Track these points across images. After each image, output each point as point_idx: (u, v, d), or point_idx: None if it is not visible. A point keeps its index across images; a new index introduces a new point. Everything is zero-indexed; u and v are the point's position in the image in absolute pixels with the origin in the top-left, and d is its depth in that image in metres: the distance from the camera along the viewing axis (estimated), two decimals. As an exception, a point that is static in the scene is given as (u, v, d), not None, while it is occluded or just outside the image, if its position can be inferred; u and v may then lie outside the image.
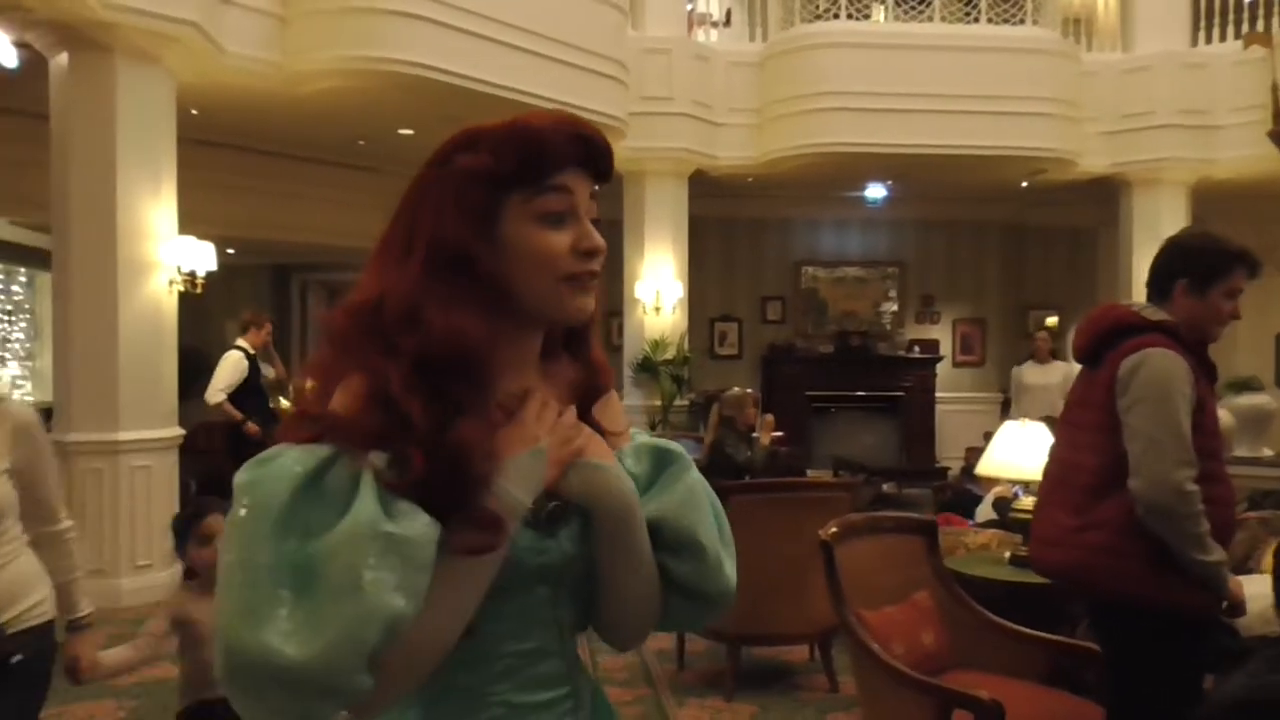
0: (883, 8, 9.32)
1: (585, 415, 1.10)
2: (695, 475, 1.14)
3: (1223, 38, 9.37)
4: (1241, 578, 2.44)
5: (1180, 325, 2.39)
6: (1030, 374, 7.72)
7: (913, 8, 9.23)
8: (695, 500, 1.12)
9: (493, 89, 6.86)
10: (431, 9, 6.54)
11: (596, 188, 1.07)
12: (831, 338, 11.52)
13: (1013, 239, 12.01)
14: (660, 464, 1.14)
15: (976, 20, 9.19)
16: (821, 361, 11.31)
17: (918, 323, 11.96)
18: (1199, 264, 2.42)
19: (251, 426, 6.78)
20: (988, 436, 4.74)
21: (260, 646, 0.85)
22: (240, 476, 0.93)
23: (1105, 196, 10.07)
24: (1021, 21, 9.18)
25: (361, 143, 8.48)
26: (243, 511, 0.90)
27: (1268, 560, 3.04)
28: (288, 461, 0.92)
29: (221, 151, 8.17)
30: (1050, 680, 2.92)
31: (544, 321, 1.06)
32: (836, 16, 9.12)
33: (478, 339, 0.97)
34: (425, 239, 1.00)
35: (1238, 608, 2.33)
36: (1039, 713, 2.71)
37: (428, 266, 0.99)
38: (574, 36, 7.51)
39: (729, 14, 10.70)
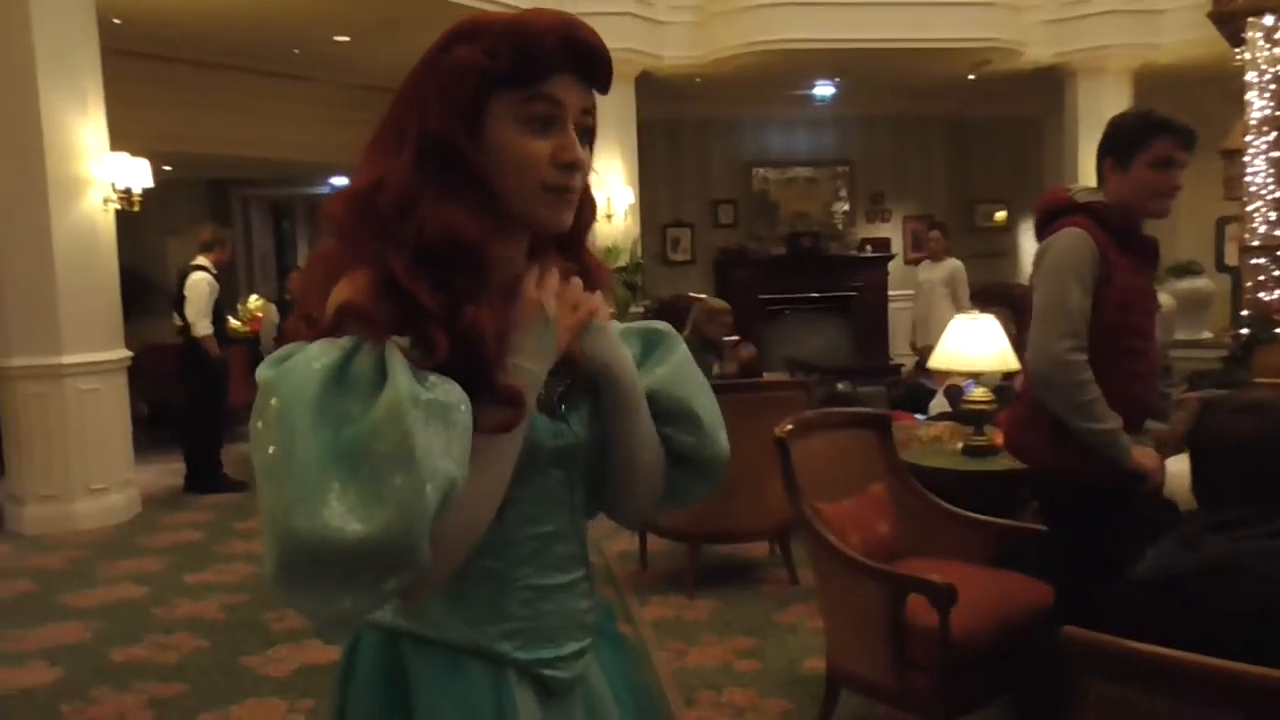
0: (828, -103, 9.07)
1: None
2: (683, 349, 1.20)
3: (1164, -81, 9.28)
4: (1180, 456, 2.52)
5: (1112, 205, 2.41)
6: (924, 271, 8.03)
7: (859, -104, 8.98)
8: (687, 371, 1.19)
9: (430, -10, 6.60)
10: (361, -95, 6.25)
11: (595, 98, 1.05)
12: (783, 239, 11.52)
13: (957, 134, 12.00)
14: (649, 343, 1.21)
15: (923, -92, 8.98)
16: (774, 264, 11.32)
17: (868, 221, 11.99)
18: (1119, 138, 2.43)
19: (217, 358, 6.61)
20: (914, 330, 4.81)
21: (321, 529, 0.85)
22: (264, 373, 0.92)
23: (1049, 87, 10.06)
24: (967, -92, 9.00)
25: (296, 51, 8.16)
26: (274, 403, 0.89)
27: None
28: (312, 353, 0.92)
29: (152, 63, 7.84)
30: (1001, 563, 3.03)
31: (528, 224, 1.05)
32: (781, -94, 8.86)
33: (470, 234, 0.98)
34: (416, 128, 1.00)
35: (1148, 477, 2.39)
36: (990, 593, 2.82)
37: (419, 157, 0.99)
38: (512, -68, 7.22)
39: (671, -95, 10.34)
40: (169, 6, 6.65)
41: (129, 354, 5.99)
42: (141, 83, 7.51)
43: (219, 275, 6.64)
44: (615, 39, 8.59)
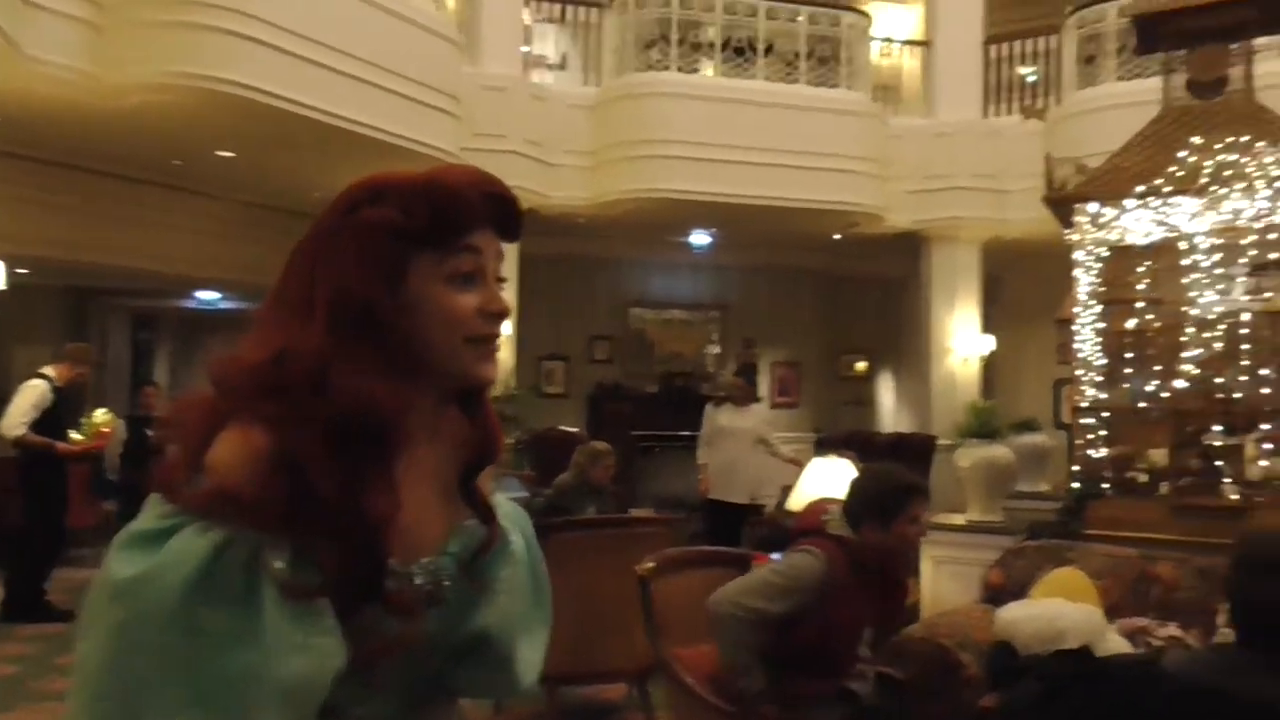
0: (712, 64, 9.73)
1: (472, 476, 1.11)
2: (521, 559, 1.17)
3: (1010, 111, 10.28)
4: (1018, 603, 2.66)
5: (868, 548, 2.76)
6: (725, 416, 7.42)
7: (739, 65, 9.66)
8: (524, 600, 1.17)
9: (321, 115, 6.69)
10: (259, 29, 6.32)
11: (504, 247, 1.06)
12: (657, 378, 11.74)
13: (828, 286, 12.65)
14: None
15: (796, 80, 9.72)
16: (647, 401, 11.49)
17: (737, 364, 12.37)
18: (879, 504, 2.75)
19: (62, 446, 6.22)
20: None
21: None
22: (121, 570, 0.84)
23: (910, 250, 10.78)
24: (836, 85, 9.77)
25: (178, 163, 8.06)
26: (121, 615, 0.84)
27: (1040, 587, 3.35)
28: (175, 557, 0.85)
29: (20, 163, 7.59)
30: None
31: (447, 381, 1.03)
32: (667, 69, 9.45)
33: (391, 407, 0.93)
34: (328, 293, 0.95)
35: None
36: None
37: (331, 323, 0.94)
38: (406, 67, 7.42)
39: (564, 58, 10.87)
40: (52, 109, 6.50)
41: (-40, 466, 5.59)
42: (7, 182, 7.26)
43: (63, 389, 6.31)
44: (505, 176, 8.59)
